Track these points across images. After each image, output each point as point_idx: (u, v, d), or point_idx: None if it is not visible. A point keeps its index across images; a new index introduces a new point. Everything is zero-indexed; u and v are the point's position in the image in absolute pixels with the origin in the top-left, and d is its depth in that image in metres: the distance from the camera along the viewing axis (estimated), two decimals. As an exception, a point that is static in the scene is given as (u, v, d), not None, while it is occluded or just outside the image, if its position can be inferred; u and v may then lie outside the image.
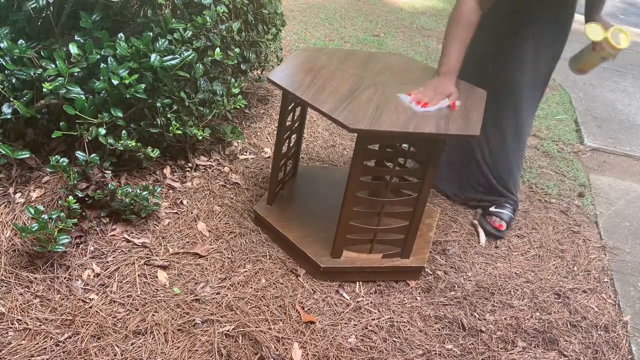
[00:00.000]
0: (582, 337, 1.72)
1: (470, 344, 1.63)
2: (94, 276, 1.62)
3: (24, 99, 1.72)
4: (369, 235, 1.76)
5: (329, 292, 1.73)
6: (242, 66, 2.37)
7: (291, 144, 1.96)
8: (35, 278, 1.57)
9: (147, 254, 1.73)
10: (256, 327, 1.55)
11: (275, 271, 1.76)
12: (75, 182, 1.71)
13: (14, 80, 1.72)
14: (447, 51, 1.69)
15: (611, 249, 2.18)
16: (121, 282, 1.62)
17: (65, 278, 1.59)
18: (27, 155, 1.72)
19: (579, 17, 1.98)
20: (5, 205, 1.75)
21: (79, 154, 1.73)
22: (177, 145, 2.18)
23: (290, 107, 1.80)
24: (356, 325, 1.63)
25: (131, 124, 1.91)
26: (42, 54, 1.75)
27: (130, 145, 1.81)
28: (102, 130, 1.75)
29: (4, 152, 1.64)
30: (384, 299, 1.74)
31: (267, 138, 2.52)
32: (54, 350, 1.38)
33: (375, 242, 1.77)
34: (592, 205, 2.48)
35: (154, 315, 1.53)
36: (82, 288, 1.57)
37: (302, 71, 1.71)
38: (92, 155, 1.75)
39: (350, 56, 1.89)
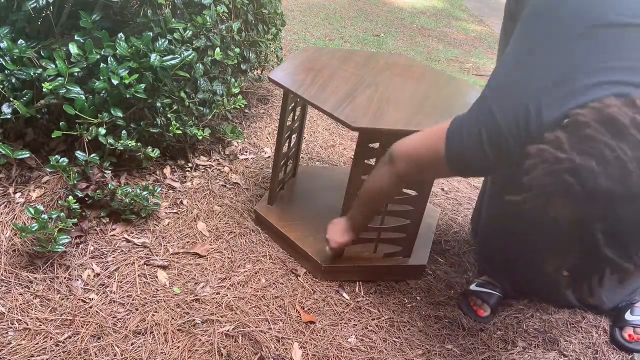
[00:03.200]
0: (582, 337, 1.72)
1: (470, 344, 1.63)
2: (94, 276, 1.62)
3: (24, 98, 1.72)
4: (370, 234, 1.76)
5: (329, 292, 1.72)
6: (242, 66, 2.37)
7: (291, 144, 1.96)
8: (35, 278, 1.57)
9: (147, 254, 1.73)
10: (256, 327, 1.55)
11: (275, 271, 1.76)
12: (75, 182, 1.71)
13: (14, 80, 1.72)
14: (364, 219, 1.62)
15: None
16: (121, 282, 1.61)
17: (65, 278, 1.59)
18: (27, 155, 1.72)
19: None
20: (5, 205, 1.75)
21: (79, 154, 1.73)
22: (177, 145, 2.18)
23: (290, 107, 1.80)
24: (356, 325, 1.63)
25: (131, 124, 1.91)
26: (42, 53, 1.75)
27: (130, 145, 1.81)
28: (102, 130, 1.75)
29: (4, 152, 1.64)
30: (384, 299, 1.74)
31: (267, 138, 2.52)
32: (53, 350, 1.38)
33: (377, 240, 1.77)
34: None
35: (154, 315, 1.53)
36: (82, 288, 1.57)
37: (302, 70, 1.71)
38: (92, 155, 1.75)
39: (350, 56, 1.89)
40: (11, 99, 1.69)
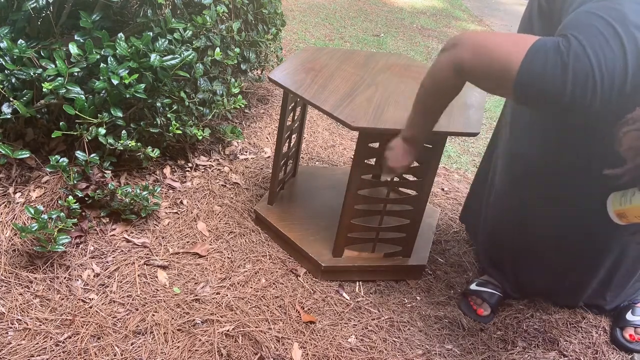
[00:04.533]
0: (582, 337, 1.72)
1: (470, 344, 1.63)
2: (94, 276, 1.61)
3: (24, 98, 1.72)
4: (370, 234, 1.76)
5: (329, 292, 1.72)
6: (242, 66, 2.37)
7: (291, 144, 1.96)
8: (35, 278, 1.57)
9: (147, 254, 1.73)
10: (256, 327, 1.55)
11: (275, 271, 1.76)
12: (75, 182, 1.71)
13: (13, 80, 1.72)
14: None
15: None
16: (121, 282, 1.61)
17: (65, 278, 1.59)
18: (27, 155, 1.72)
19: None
20: (5, 205, 1.75)
21: (79, 154, 1.73)
22: (177, 145, 2.18)
23: (290, 107, 1.80)
24: (356, 325, 1.63)
25: (131, 123, 1.91)
26: (42, 53, 1.75)
27: (130, 145, 1.81)
28: (102, 130, 1.75)
29: (4, 152, 1.64)
30: (384, 299, 1.74)
31: (267, 138, 2.52)
32: (53, 350, 1.38)
33: (377, 240, 1.77)
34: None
35: (154, 315, 1.53)
36: (82, 288, 1.57)
37: (302, 70, 1.71)
38: (92, 155, 1.74)
39: (350, 56, 1.89)
40: (11, 99, 1.69)
